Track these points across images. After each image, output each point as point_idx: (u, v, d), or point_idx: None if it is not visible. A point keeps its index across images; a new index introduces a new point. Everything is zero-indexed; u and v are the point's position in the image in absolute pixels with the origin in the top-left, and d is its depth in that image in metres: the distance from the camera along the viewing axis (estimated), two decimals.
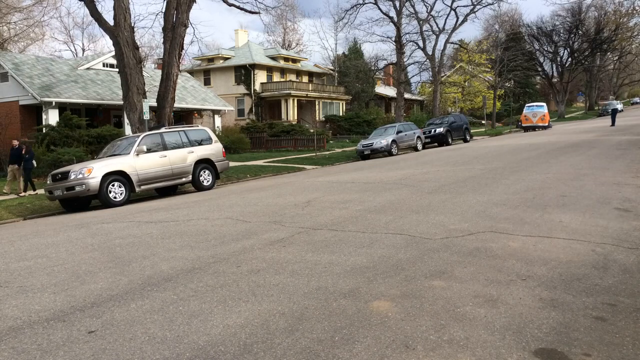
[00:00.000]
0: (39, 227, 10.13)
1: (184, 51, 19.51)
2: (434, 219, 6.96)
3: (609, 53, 66.15)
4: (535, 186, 9.14)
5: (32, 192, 16.33)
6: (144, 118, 17.59)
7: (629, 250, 5.01)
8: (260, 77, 43.12)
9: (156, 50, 54.76)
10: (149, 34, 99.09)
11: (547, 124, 36.78)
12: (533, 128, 36.77)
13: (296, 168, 21.01)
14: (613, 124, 30.49)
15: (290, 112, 41.70)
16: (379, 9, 38.55)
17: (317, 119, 42.68)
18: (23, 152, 16.31)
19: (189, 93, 31.94)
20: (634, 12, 35.23)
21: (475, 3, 40.93)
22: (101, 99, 25.45)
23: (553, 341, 3.20)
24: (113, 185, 12.85)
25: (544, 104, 40.42)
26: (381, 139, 24.64)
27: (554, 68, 61.87)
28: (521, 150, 17.46)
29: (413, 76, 57.61)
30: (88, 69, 27.85)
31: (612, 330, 3.31)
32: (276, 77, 44.61)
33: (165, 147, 14.31)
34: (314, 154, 26.66)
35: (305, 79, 47.73)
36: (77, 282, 5.23)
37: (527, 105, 40.38)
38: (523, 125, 37.61)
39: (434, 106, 42.81)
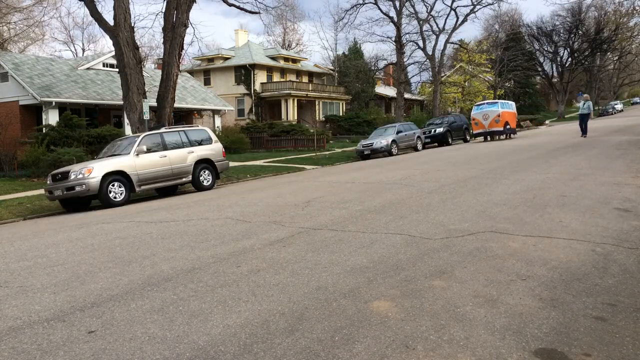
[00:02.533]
0: (39, 227, 10.13)
1: (184, 51, 19.52)
2: (434, 219, 6.95)
3: (609, 53, 66.26)
4: (536, 186, 9.14)
5: None
6: (144, 118, 17.59)
7: (629, 250, 5.01)
8: (260, 77, 43.12)
9: (156, 50, 54.83)
10: (149, 34, 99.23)
11: (502, 128, 26.10)
12: (485, 136, 26.81)
13: (296, 168, 21.00)
14: (584, 133, 21.71)
15: (290, 112, 41.70)
16: (379, 9, 38.60)
17: (317, 119, 42.67)
18: None
19: (189, 93, 31.94)
20: (634, 12, 35.25)
21: (475, 3, 40.94)
22: (101, 99, 25.45)
23: (553, 341, 3.20)
24: (113, 185, 12.85)
25: (502, 101, 29.63)
26: (381, 139, 24.62)
27: (554, 68, 61.97)
28: (521, 150, 17.46)
29: (413, 76, 57.59)
30: (88, 69, 27.85)
31: (612, 330, 3.31)
32: (276, 77, 44.60)
33: (165, 147, 14.31)
34: (314, 154, 26.64)
35: (305, 79, 47.72)
36: (77, 282, 5.23)
37: (476, 104, 29.56)
38: (474, 132, 27.89)
39: (434, 106, 42.80)
